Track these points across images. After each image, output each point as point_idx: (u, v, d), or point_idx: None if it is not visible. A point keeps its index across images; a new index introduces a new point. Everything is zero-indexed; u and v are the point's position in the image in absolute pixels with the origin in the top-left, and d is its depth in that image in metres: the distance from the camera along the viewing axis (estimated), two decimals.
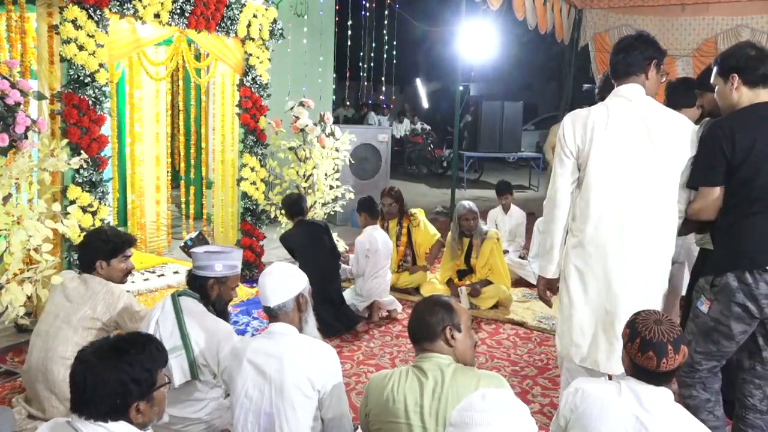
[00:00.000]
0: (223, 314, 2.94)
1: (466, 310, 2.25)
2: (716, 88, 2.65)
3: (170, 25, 4.48)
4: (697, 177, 2.60)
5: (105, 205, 4.07)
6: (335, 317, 4.44)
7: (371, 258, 4.75)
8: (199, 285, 2.88)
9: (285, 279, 2.46)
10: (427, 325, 2.14)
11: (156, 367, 1.81)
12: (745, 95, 2.55)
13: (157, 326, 2.76)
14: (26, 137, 3.34)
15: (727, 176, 2.51)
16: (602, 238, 2.64)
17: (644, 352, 1.92)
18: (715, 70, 2.65)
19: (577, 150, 2.68)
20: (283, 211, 4.98)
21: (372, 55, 11.10)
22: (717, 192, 2.54)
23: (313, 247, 4.54)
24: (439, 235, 5.62)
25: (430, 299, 2.25)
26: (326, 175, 6.02)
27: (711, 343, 2.60)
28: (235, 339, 2.80)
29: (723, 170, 2.51)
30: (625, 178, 2.60)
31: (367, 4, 9.78)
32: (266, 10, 5.34)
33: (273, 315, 2.42)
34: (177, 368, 2.69)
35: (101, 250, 3.03)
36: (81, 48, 3.85)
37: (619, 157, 2.61)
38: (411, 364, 2.17)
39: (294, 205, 4.77)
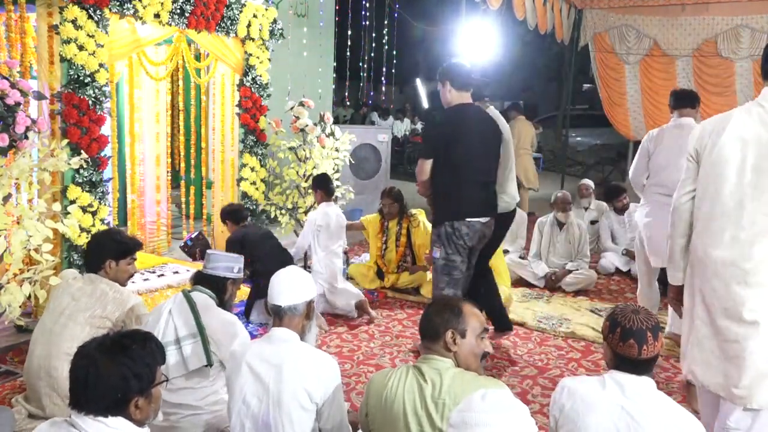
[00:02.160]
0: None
1: (480, 317, 2.19)
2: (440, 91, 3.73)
3: (170, 25, 4.49)
4: (421, 151, 3.80)
5: (105, 205, 4.08)
6: None
7: (323, 234, 4.83)
8: (216, 284, 2.97)
9: (301, 281, 2.43)
10: (431, 325, 2.14)
11: (155, 364, 1.83)
12: (455, 96, 3.69)
13: (170, 316, 2.81)
14: (26, 137, 3.34)
15: (439, 153, 3.63)
16: (711, 254, 2.44)
17: (625, 340, 2.00)
18: (438, 78, 3.76)
19: (696, 155, 2.54)
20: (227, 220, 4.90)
21: (372, 55, 11.10)
22: (430, 163, 3.68)
23: (265, 241, 4.67)
24: None
25: (443, 299, 2.25)
26: None
27: (447, 275, 3.74)
28: (244, 334, 2.85)
29: (437, 149, 3.64)
30: (735, 189, 2.41)
31: (367, 4, 9.78)
32: (266, 10, 5.34)
33: (279, 316, 2.37)
34: (192, 354, 2.74)
35: (112, 250, 3.06)
36: (81, 48, 3.86)
37: (728, 167, 2.42)
38: (412, 364, 2.17)
39: (236, 213, 4.82)
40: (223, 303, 2.99)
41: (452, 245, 3.68)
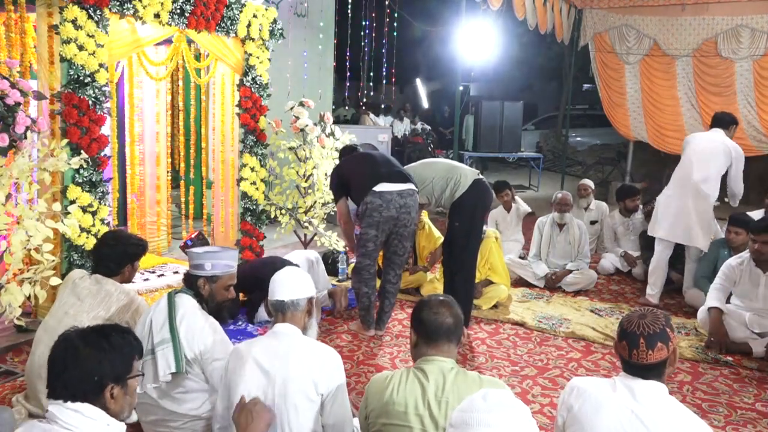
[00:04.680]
0: (218, 314, 2.93)
1: None
2: None
3: (170, 25, 4.48)
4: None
5: (105, 205, 4.07)
6: None
7: None
8: (191, 284, 2.92)
9: (303, 278, 2.51)
10: (456, 330, 2.14)
11: (132, 354, 1.88)
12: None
13: (150, 321, 2.79)
14: (26, 137, 3.34)
15: (344, 187, 4.40)
16: None
17: (620, 341, 2.06)
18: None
19: None
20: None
21: (372, 55, 11.10)
22: (341, 203, 4.42)
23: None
24: (443, 238, 5.60)
25: (447, 301, 2.21)
26: (326, 175, 6.02)
27: (363, 248, 4.22)
28: (221, 336, 2.81)
29: (340, 188, 4.42)
30: None
31: (367, 4, 9.78)
32: (266, 10, 5.34)
33: (282, 311, 2.41)
34: (162, 360, 2.69)
35: (135, 253, 3.13)
36: (81, 48, 3.85)
37: None
38: (413, 367, 2.17)
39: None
40: (205, 302, 2.89)
41: (365, 220, 4.14)
